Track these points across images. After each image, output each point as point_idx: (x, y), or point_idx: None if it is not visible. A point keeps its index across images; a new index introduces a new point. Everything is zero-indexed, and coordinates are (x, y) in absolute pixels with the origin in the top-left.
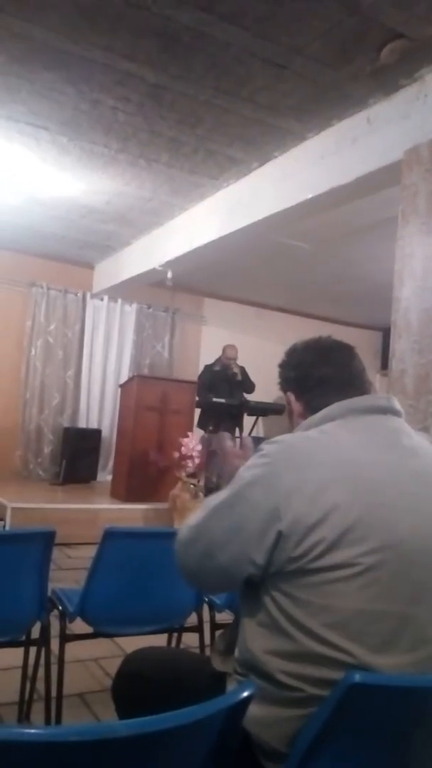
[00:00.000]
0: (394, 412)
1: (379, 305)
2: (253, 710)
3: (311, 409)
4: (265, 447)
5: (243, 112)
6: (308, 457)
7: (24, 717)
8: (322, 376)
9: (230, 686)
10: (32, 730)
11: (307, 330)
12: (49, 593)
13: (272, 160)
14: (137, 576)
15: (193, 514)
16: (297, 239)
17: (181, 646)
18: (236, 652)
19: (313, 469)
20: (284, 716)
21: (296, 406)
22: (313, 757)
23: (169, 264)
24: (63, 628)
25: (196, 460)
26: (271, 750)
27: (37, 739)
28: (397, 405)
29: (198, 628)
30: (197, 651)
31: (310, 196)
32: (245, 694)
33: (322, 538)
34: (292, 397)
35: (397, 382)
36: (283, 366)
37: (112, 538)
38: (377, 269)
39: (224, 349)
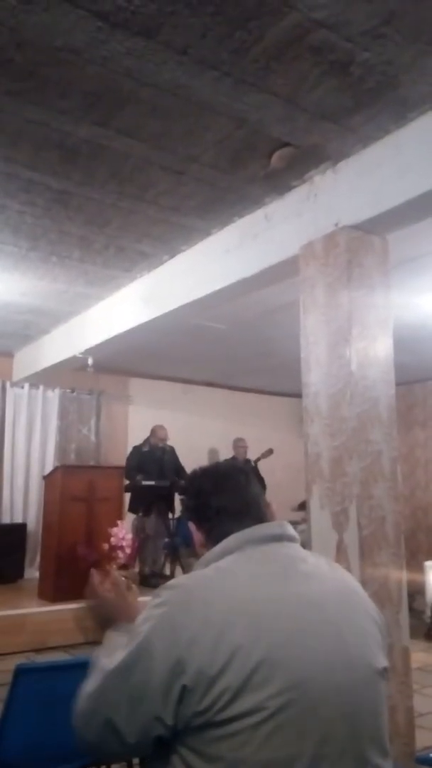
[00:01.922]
0: (289, 538)
1: (298, 376)
2: None
3: (211, 538)
4: (162, 593)
5: (148, 213)
6: (206, 600)
7: None
8: (219, 506)
9: None
10: None
11: (233, 401)
12: None
13: (181, 254)
14: (57, 710)
15: (89, 680)
16: (214, 321)
17: None
18: None
19: (212, 612)
20: None
21: (197, 536)
22: None
23: (90, 351)
24: None
25: (128, 550)
26: None
27: None
28: (290, 530)
29: (126, 759)
30: None
31: (218, 287)
32: None
33: (226, 686)
34: (193, 525)
35: (314, 466)
36: (185, 494)
37: (24, 675)
38: (294, 344)
39: (154, 430)
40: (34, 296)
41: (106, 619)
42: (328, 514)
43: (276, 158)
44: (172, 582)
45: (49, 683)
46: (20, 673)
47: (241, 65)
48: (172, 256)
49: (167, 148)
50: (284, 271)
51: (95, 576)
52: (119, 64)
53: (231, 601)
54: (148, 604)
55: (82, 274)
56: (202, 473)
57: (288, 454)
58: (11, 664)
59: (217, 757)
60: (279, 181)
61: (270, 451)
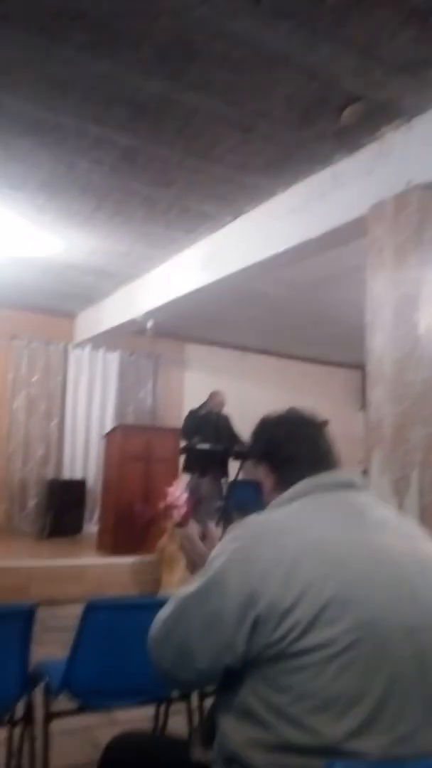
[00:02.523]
0: (359, 487)
1: (358, 345)
2: None
3: (281, 484)
4: (235, 531)
5: (213, 172)
6: (278, 537)
7: None
8: (291, 454)
9: None
10: None
11: (289, 371)
12: (33, 667)
13: (244, 215)
14: (122, 647)
15: (164, 608)
16: (273, 286)
17: (169, 715)
18: (216, 744)
19: (285, 549)
20: None
21: (267, 480)
22: None
23: (149, 314)
24: (47, 706)
25: (183, 509)
26: None
27: None
28: (361, 479)
29: (185, 697)
30: (185, 719)
31: (281, 249)
32: None
33: (298, 620)
34: (262, 470)
35: (375, 432)
36: (254, 439)
37: (93, 610)
38: (354, 312)
39: (212, 395)
40: (98, 257)
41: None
42: (387, 480)
43: (347, 114)
44: (245, 520)
45: (117, 620)
46: (90, 608)
47: (316, 14)
48: (235, 217)
49: (236, 102)
50: (351, 232)
51: (193, 533)
52: (191, 14)
53: (302, 540)
54: (222, 541)
55: (145, 236)
56: (276, 420)
57: (343, 426)
58: (71, 610)
59: (286, 688)
60: (349, 138)
61: (325, 423)
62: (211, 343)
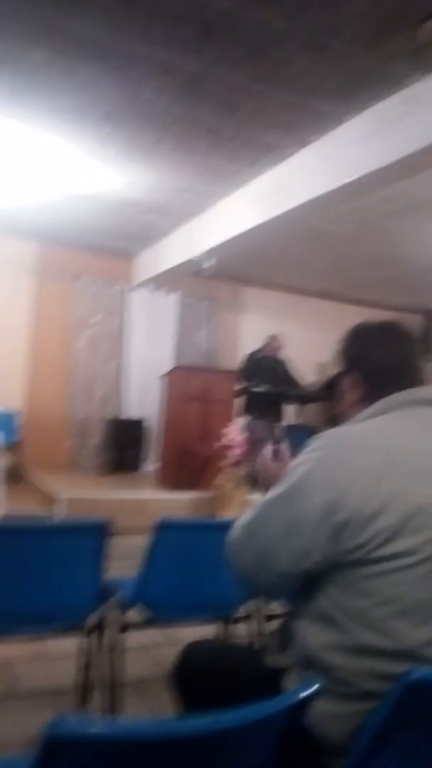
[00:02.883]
0: None
1: (422, 288)
2: (315, 704)
3: (370, 395)
4: (317, 441)
5: (280, 97)
6: (363, 447)
7: (82, 705)
8: (380, 363)
9: (287, 681)
10: (106, 728)
11: (346, 315)
12: (105, 582)
13: (309, 145)
14: (190, 566)
15: (244, 514)
16: (338, 223)
17: (232, 635)
18: (292, 648)
19: (369, 458)
20: (345, 711)
21: (353, 391)
22: (375, 752)
23: (208, 253)
24: (120, 617)
25: (239, 450)
26: (332, 744)
27: (112, 736)
28: None
29: (249, 618)
30: (248, 639)
31: (348, 179)
32: (310, 691)
33: (383, 527)
34: (349, 379)
35: None
36: (345, 348)
37: (165, 528)
38: (421, 252)
39: (270, 339)
40: (159, 193)
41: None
42: None
43: (425, 30)
44: (326, 432)
45: (188, 539)
46: (162, 527)
47: None
48: (300, 147)
49: (307, 19)
50: (425, 159)
51: (267, 455)
52: None
53: (388, 450)
54: (304, 451)
55: (207, 169)
56: (375, 328)
57: None
58: (133, 541)
59: (367, 593)
60: (426, 58)
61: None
62: (269, 286)
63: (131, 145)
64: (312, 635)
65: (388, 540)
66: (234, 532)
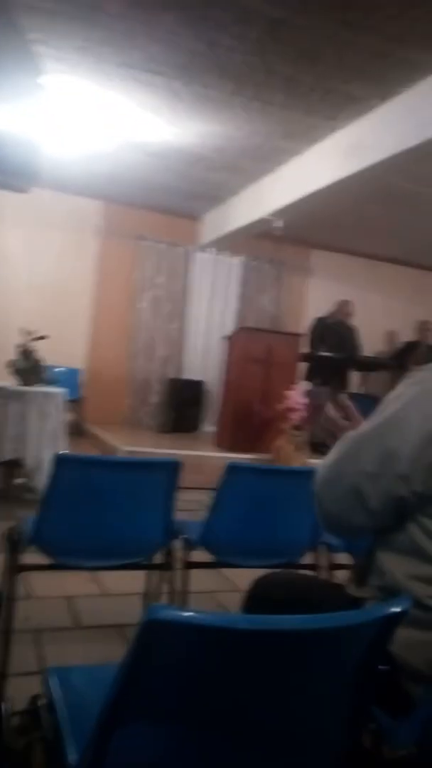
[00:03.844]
0: None
1: None
2: (398, 632)
3: None
4: (416, 375)
5: (367, 44)
6: None
7: None
8: None
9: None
10: (202, 614)
11: (420, 282)
12: (173, 521)
13: (395, 97)
14: (257, 510)
15: (328, 454)
16: (420, 182)
17: None
18: (375, 579)
19: None
20: (428, 639)
21: None
22: None
23: (279, 213)
24: (186, 556)
25: (300, 413)
26: (414, 671)
27: (208, 622)
28: None
29: (314, 567)
30: None
31: None
32: (400, 608)
33: None
34: None
35: None
36: None
37: (234, 472)
38: None
39: (341, 305)
40: (230, 150)
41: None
42: None
43: None
44: (425, 367)
45: (256, 483)
46: (231, 469)
47: None
48: (384, 99)
49: None
50: None
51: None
52: None
53: None
54: (399, 385)
55: (282, 123)
56: None
57: None
58: (192, 496)
59: None
60: None
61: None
62: (339, 250)
63: (204, 98)
64: (398, 566)
65: None
66: (321, 471)
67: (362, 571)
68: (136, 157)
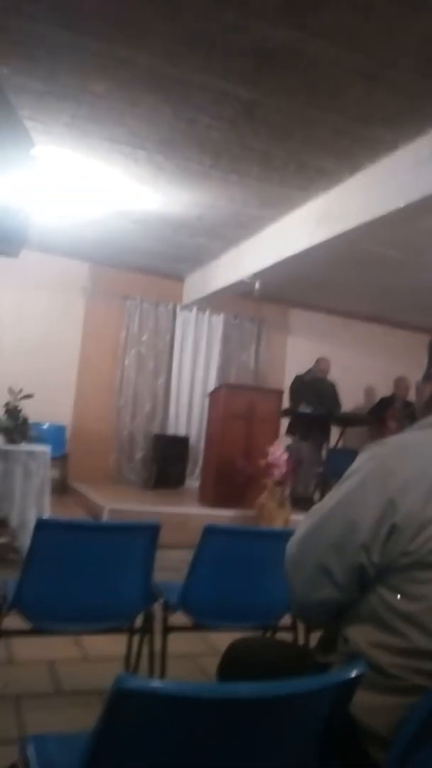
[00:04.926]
0: None
1: None
2: (360, 696)
3: None
4: (372, 449)
5: (334, 124)
6: (420, 453)
7: None
8: None
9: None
10: (169, 684)
11: (395, 340)
12: (152, 586)
13: (362, 170)
14: (235, 572)
15: (297, 531)
16: (389, 247)
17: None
18: (340, 646)
19: (426, 464)
20: (389, 703)
21: (423, 396)
22: (416, 746)
23: (257, 275)
24: (166, 619)
25: (283, 469)
26: (375, 736)
27: (174, 692)
28: None
29: (292, 628)
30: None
31: (402, 204)
32: (356, 672)
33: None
34: (425, 386)
35: None
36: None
37: (212, 534)
38: None
39: (318, 362)
40: (210, 217)
41: None
42: None
43: None
44: (383, 440)
45: (233, 545)
46: (209, 531)
47: None
48: (353, 173)
49: (363, 50)
50: None
51: None
52: None
53: None
54: (357, 459)
55: (259, 194)
56: None
57: None
58: (176, 554)
59: (419, 597)
60: None
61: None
62: (316, 309)
63: (185, 171)
64: (361, 635)
65: None
66: (291, 550)
67: (329, 639)
68: (121, 223)
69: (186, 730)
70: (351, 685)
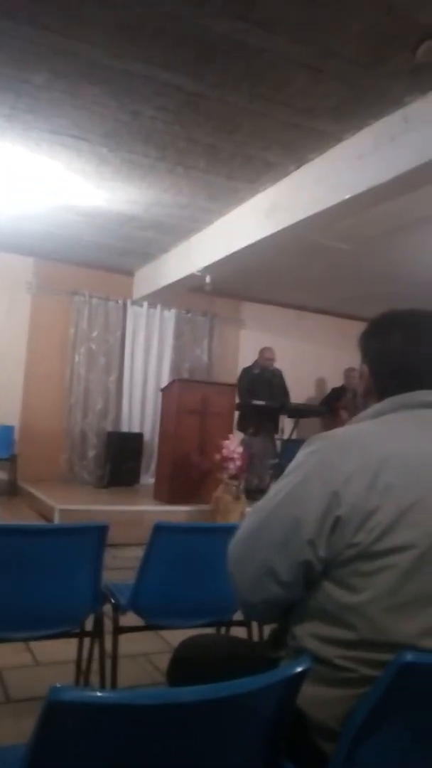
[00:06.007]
0: None
1: (422, 304)
2: (307, 690)
3: (379, 392)
4: (314, 442)
5: (279, 117)
6: (363, 445)
7: None
8: (401, 362)
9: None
10: (105, 693)
11: (345, 331)
12: (101, 587)
13: (309, 163)
14: (186, 570)
15: (239, 529)
16: (337, 239)
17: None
18: (288, 639)
19: (369, 456)
20: (337, 696)
21: (367, 380)
22: (365, 736)
23: (208, 269)
24: (116, 620)
25: (238, 462)
26: (324, 729)
27: (110, 701)
28: None
29: (245, 623)
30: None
31: (348, 196)
32: (301, 668)
33: (379, 521)
34: (366, 368)
35: None
36: (371, 333)
37: (161, 532)
38: (421, 269)
39: (261, 352)
40: (158, 211)
41: None
42: None
43: (423, 51)
44: (324, 433)
45: (183, 543)
46: (158, 529)
47: None
48: (299, 165)
49: (306, 41)
50: (423, 176)
51: None
52: None
53: (387, 448)
54: (299, 453)
55: (206, 187)
56: (398, 321)
57: None
58: (130, 552)
59: (362, 589)
60: (423, 78)
61: None
62: (268, 302)
63: (130, 163)
64: (308, 629)
65: (383, 534)
66: (233, 549)
67: (278, 635)
68: (66, 216)
69: (127, 738)
70: (297, 680)
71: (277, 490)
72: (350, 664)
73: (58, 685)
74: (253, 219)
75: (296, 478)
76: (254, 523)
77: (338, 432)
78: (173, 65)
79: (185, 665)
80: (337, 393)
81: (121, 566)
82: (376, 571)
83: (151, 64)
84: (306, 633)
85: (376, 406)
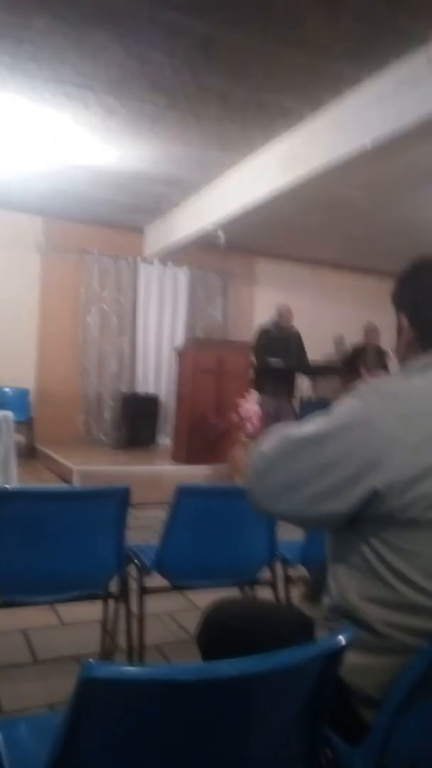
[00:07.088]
0: None
1: None
2: (349, 657)
3: (422, 342)
4: (361, 392)
5: (294, 58)
6: (410, 406)
7: None
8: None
9: (319, 633)
10: (139, 669)
11: (365, 286)
12: (125, 548)
13: (325, 107)
14: (210, 531)
15: (268, 441)
16: (354, 189)
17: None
18: (327, 599)
19: (416, 419)
20: (380, 664)
21: (407, 332)
22: (407, 706)
23: (220, 224)
24: (141, 582)
25: (255, 421)
26: (365, 697)
27: (145, 677)
28: None
29: (271, 583)
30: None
31: (368, 143)
32: (345, 640)
33: (424, 493)
34: (404, 320)
35: None
36: (403, 283)
37: (185, 494)
38: None
39: (280, 311)
40: (167, 163)
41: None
42: None
43: None
44: (370, 383)
45: (207, 505)
46: (182, 492)
47: None
48: (314, 110)
49: None
50: None
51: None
52: None
53: (429, 414)
54: (348, 397)
55: (217, 135)
56: (428, 264)
57: None
58: (149, 512)
59: (408, 551)
60: None
61: None
62: (282, 257)
63: (138, 113)
64: (351, 587)
65: (430, 506)
66: (254, 458)
67: (315, 587)
68: (73, 172)
69: (163, 716)
70: (340, 652)
71: (313, 426)
72: (395, 630)
73: (91, 661)
74: (267, 170)
75: (337, 424)
76: (281, 452)
77: (388, 388)
78: (181, 5)
79: (215, 630)
80: (359, 351)
81: (141, 525)
82: (422, 536)
83: (158, 5)
84: (351, 589)
85: (425, 359)
